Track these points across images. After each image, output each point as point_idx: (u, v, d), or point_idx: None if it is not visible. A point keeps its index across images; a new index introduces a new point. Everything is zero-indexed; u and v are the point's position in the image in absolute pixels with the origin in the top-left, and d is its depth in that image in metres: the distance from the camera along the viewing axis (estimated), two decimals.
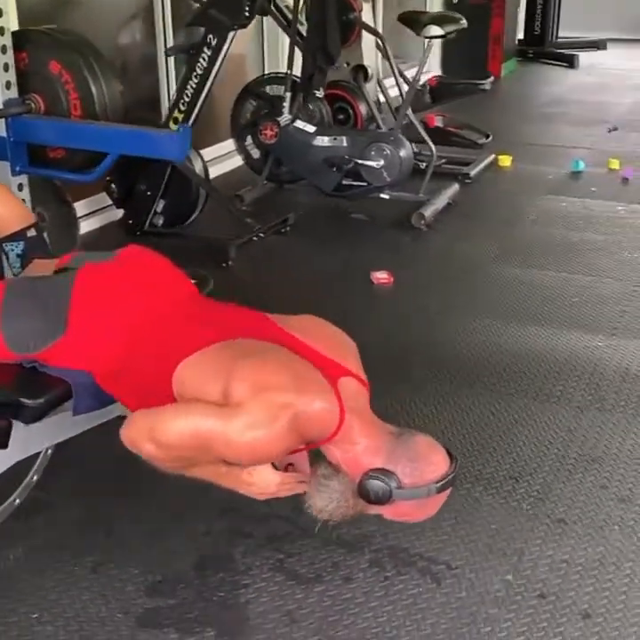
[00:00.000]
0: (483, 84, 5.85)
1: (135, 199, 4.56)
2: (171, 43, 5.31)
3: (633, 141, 6.65)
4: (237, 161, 5.53)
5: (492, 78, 6.29)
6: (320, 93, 4.91)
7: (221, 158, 5.76)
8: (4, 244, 2.49)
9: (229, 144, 5.56)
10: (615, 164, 5.91)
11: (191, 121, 4.39)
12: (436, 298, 3.91)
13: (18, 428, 2.10)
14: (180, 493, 2.53)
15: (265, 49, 6.34)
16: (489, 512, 2.50)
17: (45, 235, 2.61)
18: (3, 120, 2.96)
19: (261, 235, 4.48)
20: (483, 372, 3.24)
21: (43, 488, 2.45)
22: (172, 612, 2.13)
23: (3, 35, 2.92)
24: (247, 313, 2.22)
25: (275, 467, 2.02)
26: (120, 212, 4.69)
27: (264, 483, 2.01)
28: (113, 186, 4.55)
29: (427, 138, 5.03)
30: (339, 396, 1.97)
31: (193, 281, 2.37)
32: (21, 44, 3.02)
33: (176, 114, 4.41)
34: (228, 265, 4.17)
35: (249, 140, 5.22)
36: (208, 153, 5.21)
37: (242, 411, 1.89)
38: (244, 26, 4.37)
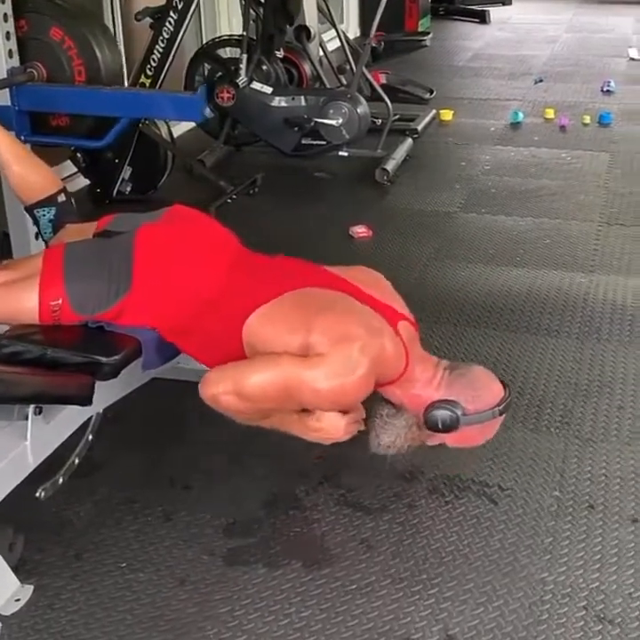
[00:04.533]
0: (423, 40, 5.98)
1: (102, 167, 4.55)
2: (118, 10, 5.28)
3: (560, 91, 6.90)
4: (183, 126, 5.56)
5: (431, 34, 6.41)
6: (280, 54, 4.97)
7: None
8: (35, 210, 2.52)
9: None
10: (551, 114, 6.15)
11: (157, 86, 4.42)
12: (417, 247, 4.05)
13: None
14: (228, 440, 2.63)
15: (202, 15, 6.32)
16: (523, 437, 2.68)
17: (72, 200, 2.65)
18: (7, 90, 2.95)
19: (234, 197, 4.55)
20: (483, 314, 3.42)
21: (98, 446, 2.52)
22: (256, 549, 2.25)
23: (3, 3, 2.89)
24: (305, 264, 2.32)
25: None
26: (85, 181, 4.69)
27: (333, 427, 2.13)
28: (79, 155, 4.52)
29: (383, 95, 5.14)
30: (403, 340, 2.11)
31: None
32: (20, 12, 2.99)
33: (142, 79, 4.42)
34: None
35: None
36: None
37: (327, 360, 2.00)
38: None
